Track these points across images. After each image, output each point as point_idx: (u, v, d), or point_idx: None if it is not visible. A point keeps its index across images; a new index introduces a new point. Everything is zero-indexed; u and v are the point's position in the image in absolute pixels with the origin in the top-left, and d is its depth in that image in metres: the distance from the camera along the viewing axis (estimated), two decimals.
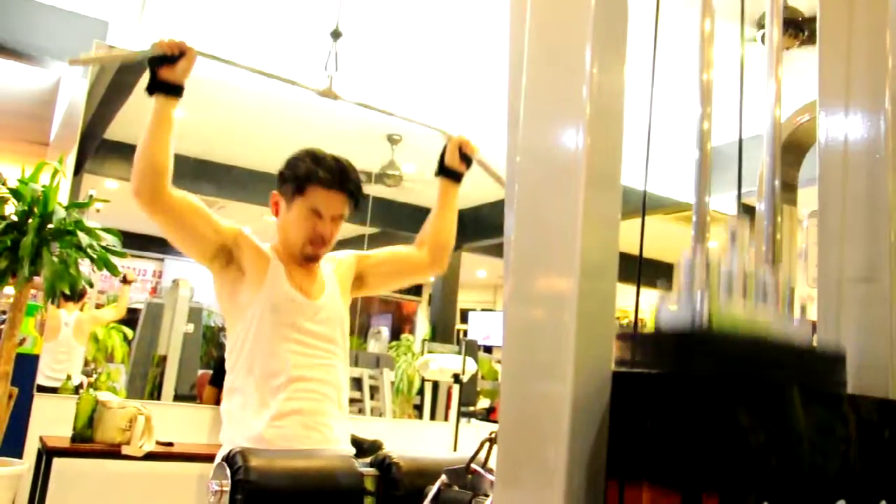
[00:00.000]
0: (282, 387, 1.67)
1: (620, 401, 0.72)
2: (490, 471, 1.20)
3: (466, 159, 2.05)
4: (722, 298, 0.77)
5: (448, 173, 2.06)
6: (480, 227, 6.46)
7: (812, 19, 3.37)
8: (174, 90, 1.70)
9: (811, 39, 3.40)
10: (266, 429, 1.63)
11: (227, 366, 1.75)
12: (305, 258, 1.80)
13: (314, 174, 1.76)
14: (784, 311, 0.85)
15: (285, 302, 1.73)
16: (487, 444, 1.20)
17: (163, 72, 1.67)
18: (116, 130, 4.95)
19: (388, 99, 4.48)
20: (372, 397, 5.19)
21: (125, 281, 4.67)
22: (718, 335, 0.75)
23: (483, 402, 5.99)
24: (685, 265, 0.77)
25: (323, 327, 1.78)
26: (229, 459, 1.27)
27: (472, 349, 4.89)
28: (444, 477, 1.24)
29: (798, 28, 3.38)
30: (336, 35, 2.32)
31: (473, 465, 1.22)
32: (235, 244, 1.75)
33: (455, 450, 4.11)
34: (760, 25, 3.33)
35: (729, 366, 0.74)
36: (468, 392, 5.18)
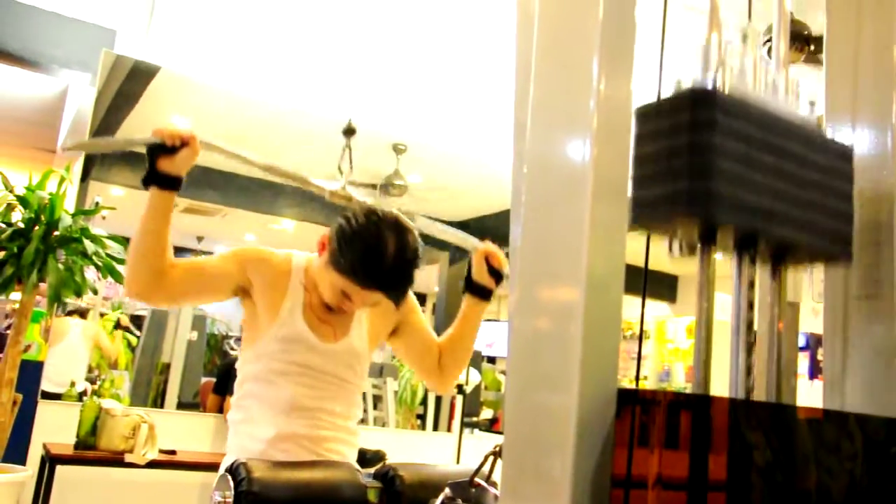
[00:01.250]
0: (284, 412, 1.62)
1: (626, 416, 0.71)
2: (494, 484, 1.19)
3: (495, 273, 1.78)
4: (735, 78, 0.79)
5: (476, 290, 1.80)
6: (486, 236, 6.45)
7: (819, 36, 3.37)
8: (172, 183, 1.55)
9: (817, 54, 3.40)
10: (267, 448, 1.59)
11: (237, 380, 1.71)
12: (328, 309, 1.67)
13: (352, 273, 1.55)
14: (795, 104, 0.85)
15: (296, 340, 1.64)
16: (491, 458, 1.19)
17: (162, 163, 1.52)
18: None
19: (397, 109, 4.50)
20: (375, 407, 5.18)
21: (119, 326, 4.68)
22: (732, 98, 0.76)
23: (486, 413, 5.96)
24: (702, 50, 0.78)
25: (335, 367, 1.67)
26: (233, 471, 1.27)
27: (475, 359, 4.88)
28: (447, 490, 1.24)
29: (804, 42, 3.37)
30: (349, 132, 2.17)
31: (477, 479, 1.22)
32: (247, 280, 1.65)
33: (458, 461, 4.09)
34: (767, 39, 3.33)
35: (739, 120, 0.75)
36: (471, 402, 5.16)
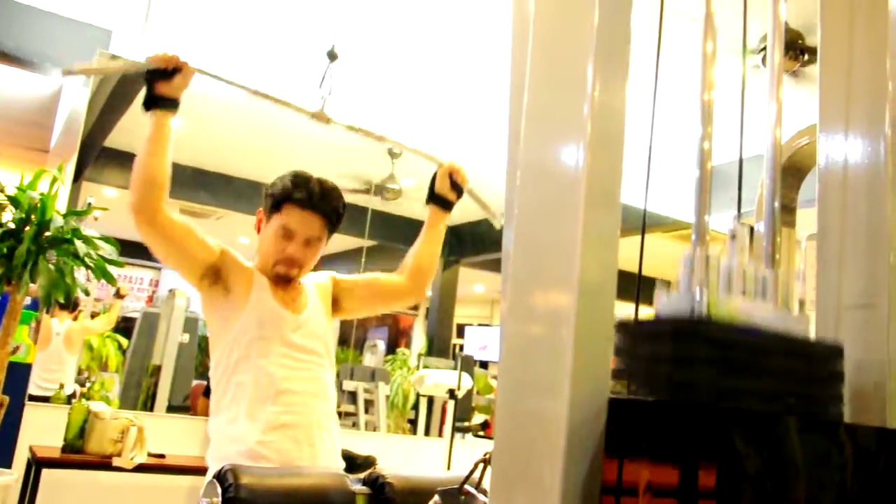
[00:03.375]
0: (270, 399, 1.66)
1: (616, 426, 0.71)
2: (484, 492, 1.18)
3: (457, 188, 2.01)
4: (721, 294, 0.78)
5: (438, 201, 2.02)
6: (478, 241, 6.45)
7: (812, 45, 3.39)
8: (170, 104, 1.69)
9: (811, 62, 3.42)
10: (256, 443, 1.61)
11: (213, 383, 1.73)
12: (277, 278, 1.79)
13: (290, 193, 1.77)
14: (783, 307, 0.84)
15: (270, 316, 1.73)
16: (481, 465, 1.19)
17: (159, 86, 1.66)
18: (116, 139, 4.95)
19: (385, 116, 4.50)
20: (366, 411, 5.17)
21: (118, 295, 4.66)
22: (716, 323, 0.75)
23: (478, 418, 5.96)
24: (685, 261, 0.77)
25: (308, 341, 1.77)
26: (220, 477, 1.26)
27: (467, 364, 4.87)
28: (437, 498, 1.23)
29: (798, 51, 3.39)
30: (332, 56, 2.29)
31: (467, 487, 1.21)
32: (223, 263, 1.75)
33: (449, 466, 4.08)
34: (762, 48, 3.35)
35: (725, 353, 0.74)
36: (463, 407, 5.16)
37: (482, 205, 1.96)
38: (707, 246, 0.81)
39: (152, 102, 1.67)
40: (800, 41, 3.40)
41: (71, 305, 4.31)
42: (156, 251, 1.68)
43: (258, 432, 1.62)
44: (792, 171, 1.31)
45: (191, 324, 4.90)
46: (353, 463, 1.81)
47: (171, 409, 4.55)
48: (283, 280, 1.80)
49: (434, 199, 2.02)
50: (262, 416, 1.64)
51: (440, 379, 4.17)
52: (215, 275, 1.74)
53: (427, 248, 2.02)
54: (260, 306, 1.73)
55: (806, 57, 3.42)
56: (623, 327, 0.77)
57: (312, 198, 1.77)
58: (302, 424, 1.68)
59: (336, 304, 1.94)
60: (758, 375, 0.77)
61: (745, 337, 0.77)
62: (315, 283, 1.90)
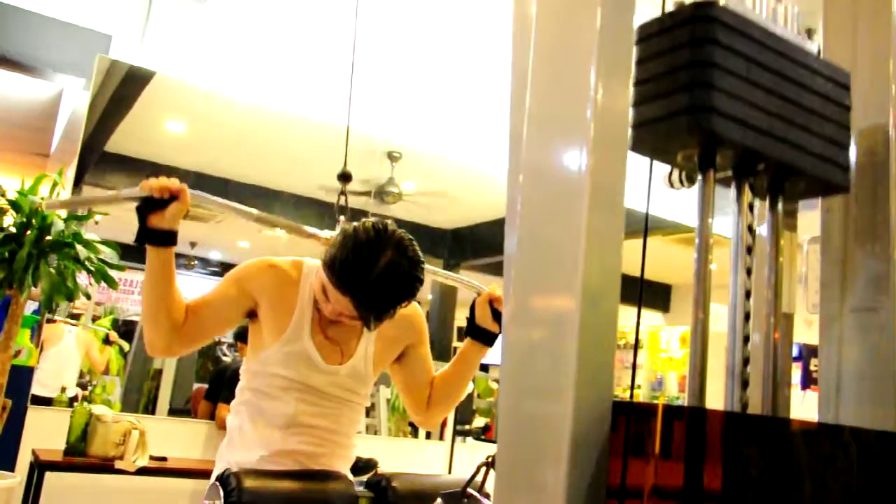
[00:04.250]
0: (282, 427, 1.59)
1: (621, 427, 0.71)
2: (487, 495, 1.18)
3: (499, 317, 1.70)
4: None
5: (478, 334, 1.74)
6: (480, 245, 6.45)
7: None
8: (166, 238, 1.49)
9: None
10: (260, 461, 1.56)
11: (238, 385, 1.68)
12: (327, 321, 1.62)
13: (330, 269, 1.47)
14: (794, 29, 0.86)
15: (301, 361, 1.58)
16: (484, 469, 1.18)
17: (152, 219, 1.47)
18: (117, 143, 4.95)
19: (392, 116, 4.50)
20: (368, 415, 5.16)
21: (108, 342, 4.66)
22: (733, 15, 0.77)
23: (479, 421, 5.95)
24: None
25: (340, 391, 1.63)
26: (223, 480, 1.26)
27: None
28: (439, 500, 1.23)
29: None
30: (345, 178, 2.14)
31: (470, 490, 1.21)
32: (253, 301, 1.61)
33: (450, 469, 4.07)
34: None
35: (739, 38, 0.76)
36: (464, 411, 5.14)
37: None
38: None
39: (145, 237, 1.48)
40: None
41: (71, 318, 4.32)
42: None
43: (265, 451, 1.57)
44: None
45: None
46: (355, 465, 1.81)
47: (173, 412, 4.54)
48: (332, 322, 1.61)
49: (475, 332, 1.73)
50: (272, 438, 1.58)
51: None
52: (251, 313, 1.63)
53: (455, 388, 1.78)
54: (293, 346, 1.58)
55: None
56: (642, 26, 0.79)
57: (355, 287, 1.45)
58: (312, 454, 1.60)
59: (398, 360, 1.75)
60: (771, 71, 0.79)
61: (761, 32, 0.79)
62: (384, 327, 1.60)
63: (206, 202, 1.56)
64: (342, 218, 1.82)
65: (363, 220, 1.51)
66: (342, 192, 1.99)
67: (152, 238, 1.48)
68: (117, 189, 5.39)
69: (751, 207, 0.85)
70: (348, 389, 1.64)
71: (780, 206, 0.88)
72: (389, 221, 1.52)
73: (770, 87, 0.79)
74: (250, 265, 1.64)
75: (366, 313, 1.47)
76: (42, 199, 2.92)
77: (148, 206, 1.47)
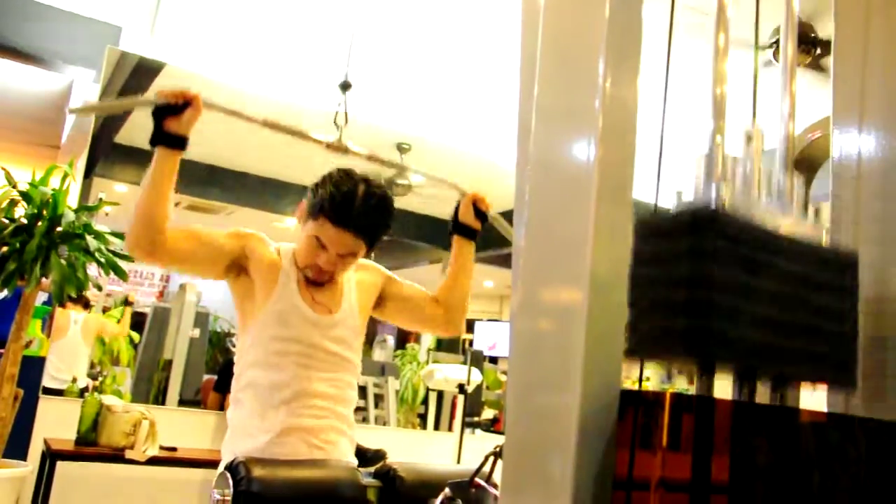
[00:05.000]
0: (285, 401, 1.62)
1: (628, 418, 0.71)
2: (494, 485, 1.19)
3: (481, 216, 1.93)
4: (737, 195, 0.77)
5: (462, 231, 1.93)
6: (488, 236, 6.44)
7: (825, 38, 3.36)
8: (178, 142, 1.60)
9: (824, 56, 3.39)
10: (268, 445, 1.59)
11: (235, 373, 1.71)
12: (308, 282, 1.73)
13: (326, 206, 1.65)
14: (798, 212, 0.84)
15: (293, 315, 1.67)
16: (492, 458, 1.19)
17: (168, 123, 1.58)
18: (127, 135, 4.97)
19: (400, 108, 4.50)
20: (376, 406, 5.17)
21: (127, 303, 4.68)
22: (734, 217, 0.73)
23: (487, 413, 5.96)
24: (700, 161, 0.76)
25: (334, 344, 1.71)
26: (232, 469, 1.26)
27: (477, 359, 4.87)
28: (447, 490, 1.23)
29: (811, 44, 3.37)
30: (345, 87, 2.27)
31: (477, 479, 1.21)
32: (243, 255, 1.70)
33: (459, 461, 4.09)
34: (774, 41, 3.32)
35: (741, 247, 0.72)
36: (473, 402, 5.15)
37: (505, 231, 1.88)
38: (723, 147, 0.79)
39: (159, 139, 1.59)
40: (812, 34, 3.37)
41: (82, 302, 4.33)
42: (170, 271, 1.67)
43: (271, 434, 1.60)
44: (804, 165, 1.30)
45: (201, 319, 4.92)
46: (364, 456, 1.81)
47: (182, 402, 4.57)
48: (313, 284, 1.73)
49: (458, 228, 1.93)
50: (276, 418, 1.61)
51: (450, 374, 4.17)
52: (238, 268, 1.71)
53: (458, 283, 1.92)
54: (284, 303, 1.68)
55: (818, 50, 3.39)
56: (641, 223, 0.76)
57: (349, 217, 1.65)
58: (316, 428, 1.64)
59: (380, 305, 1.87)
60: (772, 277, 0.75)
61: (763, 234, 0.75)
62: (358, 279, 1.82)
63: (215, 108, 1.68)
64: (342, 125, 1.97)
65: (329, 171, 1.71)
66: (342, 102, 2.15)
67: (166, 140, 1.58)
68: (128, 178, 5.39)
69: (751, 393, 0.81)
70: (341, 342, 1.72)
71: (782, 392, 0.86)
72: (368, 153, 1.80)
73: (771, 293, 0.74)
74: (244, 230, 1.76)
75: (366, 236, 1.68)
76: (53, 190, 2.93)
77: (164, 111, 1.58)
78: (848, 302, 0.83)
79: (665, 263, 0.73)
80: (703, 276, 0.69)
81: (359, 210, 1.65)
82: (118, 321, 4.71)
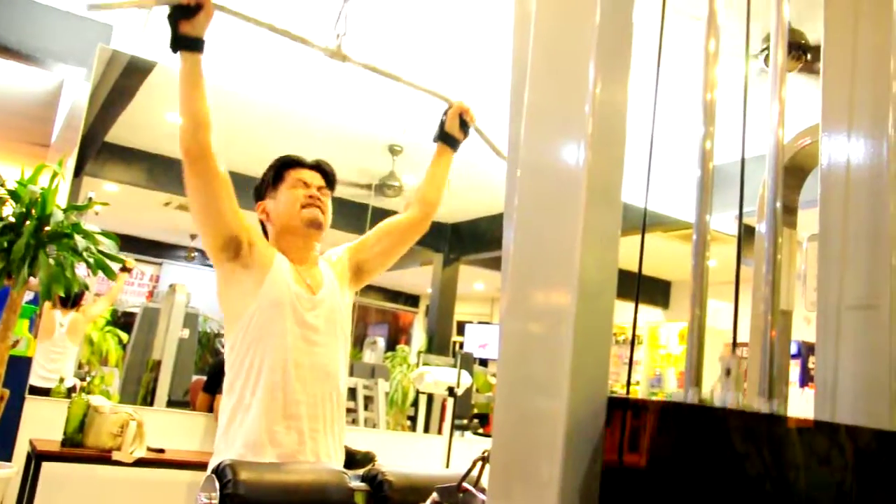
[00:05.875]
0: (279, 385, 1.68)
1: (616, 423, 0.71)
2: (482, 490, 1.18)
3: (466, 127, 2.10)
4: None
5: (446, 139, 2.10)
6: (478, 239, 6.44)
7: (814, 45, 3.38)
8: (195, 44, 1.71)
9: (813, 62, 3.41)
10: (263, 432, 1.64)
11: (227, 364, 1.75)
12: (309, 225, 1.84)
13: (288, 160, 1.90)
14: None
15: (286, 295, 1.75)
16: (480, 463, 1.18)
17: (183, 25, 1.68)
18: (117, 134, 4.95)
19: (392, 110, 4.49)
20: (366, 408, 5.16)
21: (125, 269, 4.61)
22: None
23: (477, 416, 5.96)
24: None
25: (323, 321, 1.79)
26: (219, 472, 1.25)
27: (467, 362, 4.87)
28: (435, 495, 1.23)
29: (801, 51, 3.38)
30: None
31: (465, 484, 1.21)
32: (247, 236, 1.77)
33: (448, 463, 4.08)
34: (764, 48, 3.34)
35: None
36: (463, 405, 5.15)
37: (489, 143, 2.05)
38: None
39: (178, 43, 1.69)
40: (802, 41, 3.39)
41: (71, 302, 4.30)
42: (192, 196, 1.72)
43: (266, 421, 1.64)
44: (794, 172, 1.31)
45: (191, 319, 4.90)
46: (353, 459, 1.81)
47: (171, 404, 4.55)
48: (314, 226, 1.85)
49: (443, 137, 2.10)
50: (272, 403, 1.66)
51: (440, 376, 4.16)
52: (236, 248, 1.75)
53: (433, 182, 2.09)
54: (277, 284, 1.75)
55: (808, 56, 3.41)
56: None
57: (308, 161, 1.91)
58: (309, 416, 1.69)
59: (360, 269, 1.97)
60: None
61: None
62: (329, 263, 1.94)
63: (224, 10, 1.78)
64: (341, 33, 2.09)
65: None
66: (342, 8, 2.21)
67: (184, 44, 1.69)
68: (118, 178, 5.36)
69: None
70: (330, 318, 1.81)
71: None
72: (367, 63, 2.07)
73: None
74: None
75: (328, 169, 1.93)
76: (42, 189, 2.91)
77: (178, 14, 1.67)
78: None
79: None
80: None
81: (312, 160, 1.93)
82: (101, 331, 4.68)
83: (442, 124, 2.10)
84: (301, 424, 1.67)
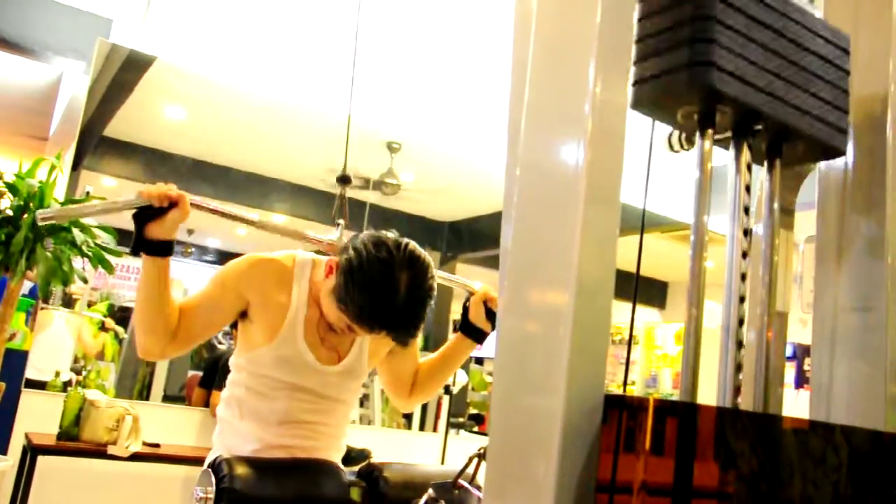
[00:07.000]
0: (275, 424, 1.57)
1: (612, 422, 0.71)
2: (478, 486, 1.19)
3: (493, 316, 1.75)
4: None
5: (471, 332, 1.78)
6: (476, 238, 6.44)
7: None
8: (163, 248, 1.44)
9: None
10: (252, 451, 1.55)
11: (230, 377, 1.66)
12: (328, 328, 1.60)
13: (359, 319, 1.44)
14: None
15: (292, 362, 1.56)
16: (476, 460, 1.19)
17: (150, 228, 1.42)
18: (116, 128, 4.94)
19: (392, 107, 4.49)
20: (361, 405, 5.17)
21: (103, 329, 4.64)
22: None
23: (472, 413, 5.96)
24: None
25: (334, 391, 1.62)
26: (215, 467, 1.26)
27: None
28: (430, 491, 1.23)
29: None
30: (344, 181, 2.10)
31: (461, 481, 1.21)
32: (245, 303, 1.57)
33: (443, 461, 4.09)
34: None
35: (743, 4, 0.77)
36: (458, 403, 5.16)
37: None
38: None
39: (141, 246, 1.43)
40: None
41: (64, 302, 4.31)
42: None
43: (258, 447, 1.56)
44: (791, 173, 1.31)
45: None
46: (348, 456, 1.81)
47: (167, 398, 4.55)
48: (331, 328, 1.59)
49: (466, 329, 1.78)
50: (264, 435, 1.57)
51: None
52: (243, 314, 1.60)
53: (439, 377, 1.81)
54: (287, 349, 1.55)
55: None
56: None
57: (386, 324, 1.45)
58: (304, 448, 1.59)
59: (388, 353, 1.75)
60: (772, 32, 0.80)
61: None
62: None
63: (205, 210, 1.51)
64: (341, 222, 1.80)
65: (362, 242, 1.47)
66: (341, 196, 1.96)
67: (149, 248, 1.43)
68: (116, 171, 5.36)
69: (749, 168, 0.86)
70: (342, 388, 1.63)
71: (777, 169, 0.88)
72: (386, 234, 1.49)
73: (770, 45, 0.79)
74: (238, 264, 1.59)
75: (402, 337, 1.49)
76: (40, 182, 2.91)
77: (146, 215, 1.42)
78: (841, 74, 0.86)
79: (669, 9, 0.78)
80: (706, 15, 0.75)
81: (397, 314, 1.43)
82: (94, 335, 4.67)
83: (465, 313, 1.77)
84: (293, 452, 1.59)
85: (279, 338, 1.55)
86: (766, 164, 0.88)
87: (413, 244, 1.49)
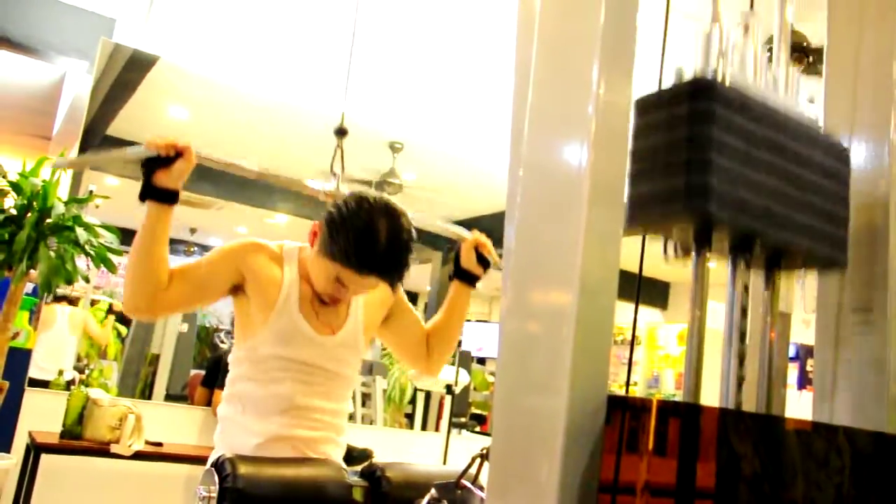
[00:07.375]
0: (280, 412, 1.59)
1: (615, 422, 0.71)
2: (480, 487, 1.19)
3: (484, 261, 1.85)
4: (736, 72, 0.79)
5: (464, 276, 1.86)
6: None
7: (819, 48, 3.38)
8: (169, 196, 1.51)
9: (815, 65, 3.41)
10: (256, 450, 1.56)
11: (229, 376, 1.68)
12: (314, 294, 1.65)
13: (348, 255, 1.52)
14: (795, 100, 0.85)
15: (292, 334, 1.60)
16: (479, 460, 1.19)
17: (157, 176, 1.48)
18: (119, 127, 4.94)
19: (394, 107, 4.49)
20: (363, 405, 5.17)
21: (111, 311, 4.65)
22: (732, 89, 0.75)
23: (474, 414, 5.96)
24: (702, 39, 0.78)
25: (332, 363, 1.65)
26: (218, 466, 1.26)
27: (465, 360, 4.88)
28: (433, 491, 1.23)
29: (802, 53, 3.38)
30: (341, 133, 2.17)
31: (463, 481, 1.21)
32: (240, 276, 1.62)
33: (445, 461, 4.09)
34: (767, 49, 3.34)
35: (739, 116, 0.74)
36: (460, 403, 5.16)
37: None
38: (721, 24, 0.80)
39: (149, 194, 1.49)
40: (804, 43, 3.39)
41: (69, 301, 4.32)
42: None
43: (261, 440, 1.58)
44: None
45: (190, 313, 4.90)
46: (350, 455, 1.81)
47: (169, 397, 4.56)
48: (320, 300, 1.65)
49: (460, 274, 1.86)
50: (268, 426, 1.58)
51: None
52: (238, 288, 1.64)
53: (451, 328, 1.87)
54: (283, 321, 1.60)
55: (810, 59, 3.40)
56: (641, 99, 0.78)
57: (373, 264, 1.53)
58: (307, 439, 1.61)
59: (385, 320, 1.80)
60: (769, 148, 0.77)
61: (761, 108, 0.77)
62: (366, 297, 1.72)
63: (209, 160, 1.58)
64: (339, 173, 1.88)
65: (343, 199, 1.58)
66: (338, 147, 2.04)
67: (156, 195, 1.49)
68: (119, 171, 5.37)
69: (745, 288, 0.83)
70: (341, 360, 1.67)
71: (775, 279, 0.86)
72: (361, 191, 1.60)
73: (769, 164, 0.76)
74: (239, 242, 1.66)
75: (391, 279, 1.57)
76: (44, 181, 2.91)
77: (154, 164, 1.48)
78: (841, 186, 0.84)
79: (664, 129, 0.75)
80: (703, 137, 0.71)
81: (382, 255, 1.53)
82: (101, 323, 4.68)
83: (457, 260, 1.86)
84: (296, 443, 1.61)
85: (275, 311, 1.60)
86: (764, 274, 0.86)
87: (388, 197, 1.61)
